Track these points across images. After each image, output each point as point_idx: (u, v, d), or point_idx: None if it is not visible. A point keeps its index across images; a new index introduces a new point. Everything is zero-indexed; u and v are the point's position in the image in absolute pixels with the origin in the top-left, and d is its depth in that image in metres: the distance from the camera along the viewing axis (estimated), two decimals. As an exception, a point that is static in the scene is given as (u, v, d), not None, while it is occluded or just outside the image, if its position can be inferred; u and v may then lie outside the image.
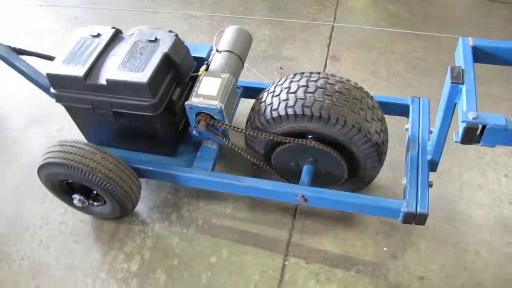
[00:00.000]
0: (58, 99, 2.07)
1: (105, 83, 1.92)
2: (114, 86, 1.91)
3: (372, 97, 2.06)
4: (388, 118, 2.23)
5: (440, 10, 3.58)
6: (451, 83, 1.63)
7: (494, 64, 1.82)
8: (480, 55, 1.76)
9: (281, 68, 3.12)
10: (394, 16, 3.56)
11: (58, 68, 1.98)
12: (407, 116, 2.26)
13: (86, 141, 2.16)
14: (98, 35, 2.08)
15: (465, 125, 1.49)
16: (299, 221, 2.38)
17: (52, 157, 2.01)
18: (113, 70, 1.94)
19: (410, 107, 2.25)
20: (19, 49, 2.37)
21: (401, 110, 2.30)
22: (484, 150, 2.59)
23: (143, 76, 1.87)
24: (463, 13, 3.56)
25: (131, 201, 2.20)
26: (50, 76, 1.99)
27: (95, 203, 2.32)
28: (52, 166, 2.03)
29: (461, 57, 1.71)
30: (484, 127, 1.48)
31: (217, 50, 2.18)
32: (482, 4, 3.61)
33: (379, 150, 2.02)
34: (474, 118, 1.48)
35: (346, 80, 2.01)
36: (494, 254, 2.23)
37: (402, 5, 3.66)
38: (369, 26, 3.49)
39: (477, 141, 1.54)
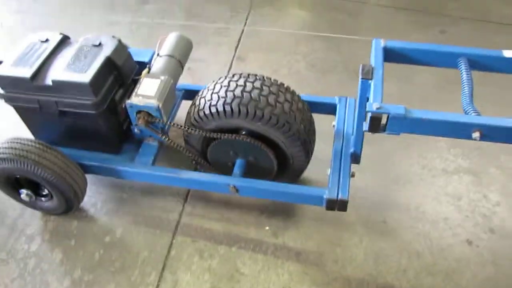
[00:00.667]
0: (7, 99, 2.20)
1: (51, 83, 2.07)
2: (59, 86, 2.06)
3: (301, 98, 2.24)
4: (319, 116, 2.44)
5: (347, 16, 3.87)
6: (361, 79, 1.85)
7: (403, 63, 2.03)
8: (390, 55, 1.98)
9: (189, 69, 3.34)
10: (303, 21, 3.85)
11: (6, 70, 2.12)
12: (334, 114, 2.45)
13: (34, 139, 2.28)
14: (47, 40, 2.24)
15: (371, 115, 1.69)
16: (189, 204, 2.59)
17: (1, 153, 2.16)
18: (58, 71, 2.09)
19: (337, 106, 2.46)
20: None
21: (329, 108, 2.49)
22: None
23: (85, 76, 2.03)
24: (369, 19, 3.85)
25: (77, 196, 2.32)
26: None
27: (43, 198, 2.43)
28: (1, 161, 2.17)
29: (373, 56, 1.93)
30: (389, 117, 1.69)
31: (158, 55, 2.37)
32: (387, 11, 3.90)
33: (306, 146, 2.22)
34: (377, 108, 1.68)
35: (281, 83, 2.19)
36: (369, 230, 2.48)
37: (312, 11, 3.95)
38: (278, 28, 3.76)
39: (383, 130, 1.74)
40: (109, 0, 4.15)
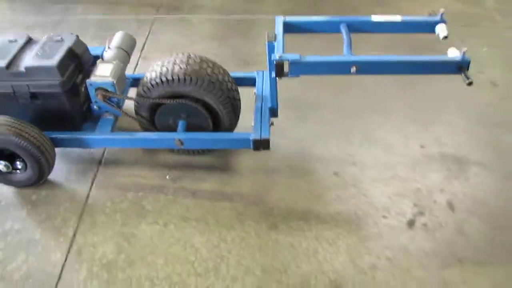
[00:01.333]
0: None
1: (23, 69, 2.48)
2: (31, 71, 2.47)
3: (226, 71, 2.76)
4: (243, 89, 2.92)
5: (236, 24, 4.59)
6: (268, 42, 2.38)
7: (299, 33, 2.63)
8: (289, 27, 2.57)
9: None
10: (198, 29, 4.55)
11: None
12: (254, 84, 2.97)
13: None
14: (15, 40, 2.66)
15: (275, 62, 2.27)
16: (103, 165, 3.09)
17: None
18: (29, 60, 2.52)
19: (256, 78, 2.99)
20: None
21: (250, 81, 3.01)
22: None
23: (53, 61, 2.49)
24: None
25: (49, 164, 2.68)
26: None
27: (18, 171, 2.73)
28: None
29: (276, 28, 2.50)
30: (290, 63, 2.26)
31: (108, 47, 2.81)
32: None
33: (233, 106, 2.72)
34: (280, 57, 2.27)
35: (206, 58, 2.69)
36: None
37: (209, 22, 4.65)
38: (176, 35, 4.43)
39: (286, 75, 2.32)
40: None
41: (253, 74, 2.99)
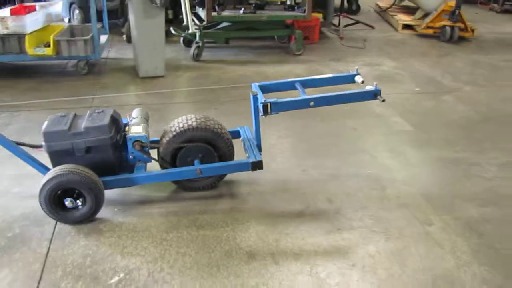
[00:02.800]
0: (48, 148, 3.03)
1: (83, 129, 3.05)
2: (88, 130, 3.06)
3: (226, 129, 3.45)
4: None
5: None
6: (252, 95, 3.28)
7: (270, 92, 3.39)
8: (262, 88, 3.35)
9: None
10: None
11: (49, 129, 3.04)
12: (239, 136, 3.62)
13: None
14: (65, 115, 3.22)
15: (262, 104, 3.09)
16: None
17: (61, 172, 2.93)
18: (85, 123, 3.10)
19: (240, 131, 3.66)
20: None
21: (235, 134, 3.62)
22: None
23: (104, 122, 3.11)
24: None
25: (102, 201, 3.06)
26: (45, 134, 3.03)
27: (79, 205, 3.05)
28: (59, 177, 2.93)
29: (254, 88, 3.33)
30: (271, 104, 3.10)
31: (133, 118, 3.43)
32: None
33: (230, 147, 3.40)
34: (264, 101, 3.11)
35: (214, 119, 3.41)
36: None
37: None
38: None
39: (269, 113, 3.11)
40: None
41: (237, 129, 3.70)
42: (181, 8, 6.46)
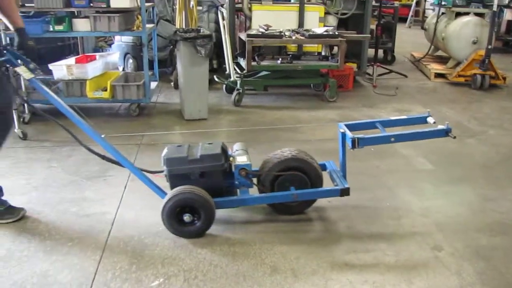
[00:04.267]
0: (170, 172, 3.54)
1: (199, 157, 3.53)
2: (203, 158, 3.53)
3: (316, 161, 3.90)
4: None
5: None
6: (340, 132, 3.69)
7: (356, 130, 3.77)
8: (349, 127, 3.75)
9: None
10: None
11: (170, 155, 3.55)
12: (325, 168, 4.04)
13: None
14: (182, 145, 3.72)
15: (351, 139, 3.55)
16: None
17: (182, 191, 3.42)
18: (200, 151, 3.57)
19: (326, 164, 4.07)
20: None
21: (323, 166, 4.04)
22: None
23: (218, 151, 3.60)
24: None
25: (213, 218, 3.51)
26: (167, 160, 3.51)
27: (195, 221, 3.50)
28: (181, 195, 3.40)
29: (342, 127, 3.75)
30: (358, 139, 3.54)
31: (236, 150, 3.84)
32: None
33: (320, 176, 3.84)
34: (353, 136, 3.55)
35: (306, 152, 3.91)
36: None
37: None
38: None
39: (358, 147, 3.55)
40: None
41: (323, 162, 4.10)
42: (224, 59, 7.10)
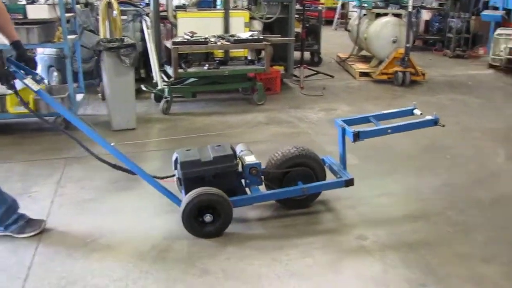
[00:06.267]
0: (184, 175, 3.60)
1: (212, 158, 3.62)
2: (216, 159, 3.62)
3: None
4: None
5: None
6: (340, 127, 3.88)
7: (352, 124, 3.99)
8: (346, 122, 3.96)
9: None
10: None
11: (184, 158, 3.61)
12: (325, 163, 4.19)
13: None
14: (190, 149, 3.77)
15: (353, 133, 3.74)
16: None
17: (203, 193, 3.47)
18: (211, 154, 3.67)
19: (325, 159, 4.23)
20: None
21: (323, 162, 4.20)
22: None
23: (230, 151, 3.71)
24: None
25: (231, 217, 3.58)
26: (182, 163, 3.60)
27: (215, 221, 3.54)
28: (203, 196, 3.46)
29: (340, 122, 3.94)
30: (359, 132, 3.75)
31: (241, 150, 4.00)
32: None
33: (323, 170, 4.06)
34: (354, 130, 3.75)
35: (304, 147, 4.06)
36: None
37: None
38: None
39: (358, 140, 3.77)
40: None
41: (322, 157, 4.24)
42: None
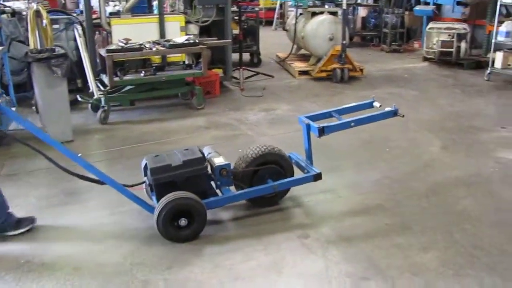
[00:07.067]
0: (156, 181, 3.56)
1: (182, 162, 3.61)
2: (186, 163, 3.61)
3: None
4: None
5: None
6: (305, 124, 3.97)
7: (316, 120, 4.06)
8: (309, 118, 4.04)
9: None
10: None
11: (154, 164, 3.59)
12: (291, 160, 4.20)
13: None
14: (158, 155, 3.74)
15: (318, 128, 3.81)
16: None
17: (178, 197, 3.45)
18: (181, 158, 3.65)
19: (291, 156, 4.25)
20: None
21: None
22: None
23: (198, 154, 3.71)
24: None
25: (206, 219, 3.58)
26: (152, 169, 3.56)
27: (189, 225, 3.52)
28: (178, 200, 3.44)
29: (303, 119, 4.03)
30: (324, 127, 3.81)
31: (208, 153, 3.97)
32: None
33: (291, 166, 4.10)
34: (319, 126, 3.83)
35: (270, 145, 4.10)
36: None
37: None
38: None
39: (324, 134, 3.84)
40: None
41: (289, 154, 4.27)
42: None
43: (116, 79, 6.34)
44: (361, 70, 8.81)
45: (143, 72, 6.58)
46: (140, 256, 3.39)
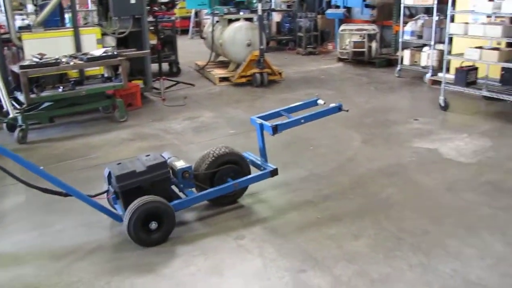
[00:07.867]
0: (120, 188, 3.59)
1: (146, 168, 3.66)
2: (151, 168, 3.68)
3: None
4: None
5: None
6: (258, 124, 4.12)
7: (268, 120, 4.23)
8: (261, 118, 4.24)
9: None
10: None
11: (118, 172, 3.61)
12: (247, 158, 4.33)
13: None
14: (120, 163, 3.76)
15: (271, 127, 3.98)
16: None
17: (146, 202, 3.49)
18: (144, 163, 3.72)
19: (245, 155, 4.36)
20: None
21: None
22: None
23: (162, 159, 3.79)
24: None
25: (175, 222, 3.68)
26: (117, 177, 3.58)
27: (159, 228, 3.60)
28: (148, 204, 3.49)
29: (255, 119, 4.21)
30: (277, 126, 3.99)
31: (168, 157, 4.05)
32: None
33: (248, 165, 4.24)
34: (272, 124, 4.00)
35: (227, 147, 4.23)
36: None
37: None
38: None
39: (277, 132, 4.01)
40: None
41: (243, 153, 4.39)
42: (0, 95, 6.56)
43: (33, 96, 6.10)
44: (280, 73, 9.04)
45: (61, 87, 6.39)
46: (76, 276, 3.32)
